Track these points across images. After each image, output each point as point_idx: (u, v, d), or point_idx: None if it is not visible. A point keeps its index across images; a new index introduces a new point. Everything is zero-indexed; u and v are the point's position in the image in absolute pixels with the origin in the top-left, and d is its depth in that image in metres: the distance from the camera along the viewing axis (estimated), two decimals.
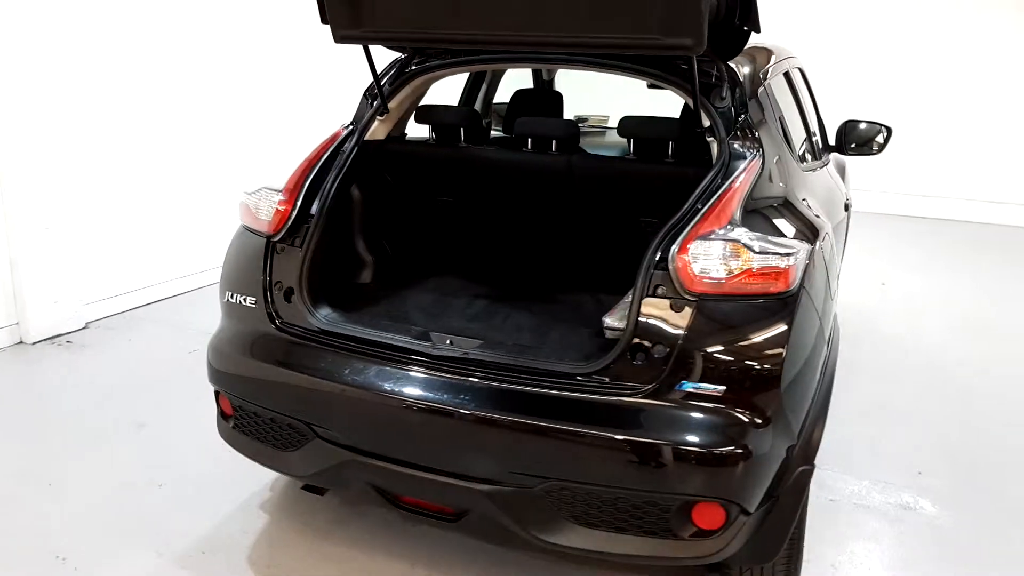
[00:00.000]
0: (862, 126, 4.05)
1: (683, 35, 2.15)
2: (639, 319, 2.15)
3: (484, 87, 4.35)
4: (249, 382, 2.59)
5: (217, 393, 2.72)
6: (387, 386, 2.30)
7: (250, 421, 2.62)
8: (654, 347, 2.12)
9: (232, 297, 2.67)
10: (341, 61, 7.32)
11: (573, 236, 3.02)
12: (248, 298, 2.63)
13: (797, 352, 2.13)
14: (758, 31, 2.33)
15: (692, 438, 2.05)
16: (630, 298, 2.67)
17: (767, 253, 2.13)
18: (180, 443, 3.56)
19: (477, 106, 4.40)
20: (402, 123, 3.22)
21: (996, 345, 4.99)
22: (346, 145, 2.92)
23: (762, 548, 2.23)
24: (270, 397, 2.54)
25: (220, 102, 5.92)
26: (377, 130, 3.03)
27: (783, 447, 2.14)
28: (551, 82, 4.89)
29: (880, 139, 4.07)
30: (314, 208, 2.69)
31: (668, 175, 2.73)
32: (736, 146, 2.47)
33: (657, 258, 2.19)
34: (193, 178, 5.80)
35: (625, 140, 2.95)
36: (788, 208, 2.51)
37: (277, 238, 2.64)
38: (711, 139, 2.55)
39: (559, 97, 3.94)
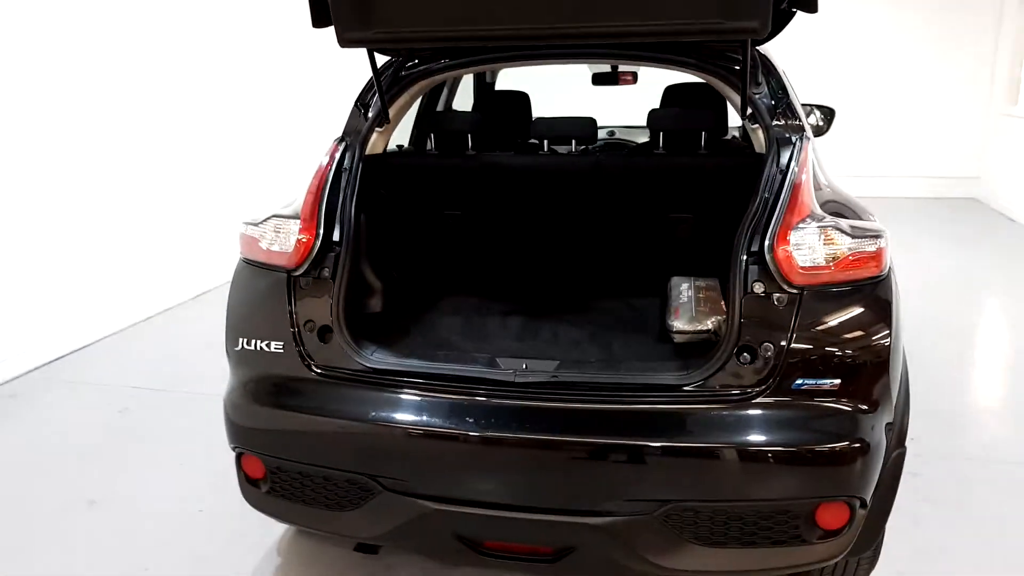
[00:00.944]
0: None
1: (747, 17, 2.05)
2: (742, 319, 2.04)
3: (445, 93, 4.11)
4: (289, 438, 2.27)
5: (240, 456, 2.36)
6: (469, 422, 2.07)
7: (293, 483, 2.29)
8: (762, 346, 2.02)
9: (249, 344, 2.32)
10: (302, 69, 7.06)
11: (597, 238, 2.88)
12: (273, 343, 2.30)
13: (897, 334, 2.10)
14: (814, 10, 2.27)
15: (816, 437, 1.98)
16: (685, 296, 2.59)
17: (861, 238, 2.08)
18: (146, 518, 3.10)
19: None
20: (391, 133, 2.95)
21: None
22: (347, 162, 2.62)
23: (865, 537, 2.19)
24: (319, 452, 2.23)
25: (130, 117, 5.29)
26: (376, 143, 2.76)
27: (887, 432, 2.11)
28: (492, 84, 4.70)
29: (822, 121, 4.21)
30: (336, 234, 2.39)
31: (703, 168, 2.65)
32: (781, 133, 2.42)
33: (749, 253, 2.09)
34: (89, 204, 5.13)
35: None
36: (835, 191, 2.50)
37: (300, 272, 2.33)
38: (755, 127, 2.49)
39: (525, 98, 3.77)
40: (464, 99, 4.35)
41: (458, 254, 3.03)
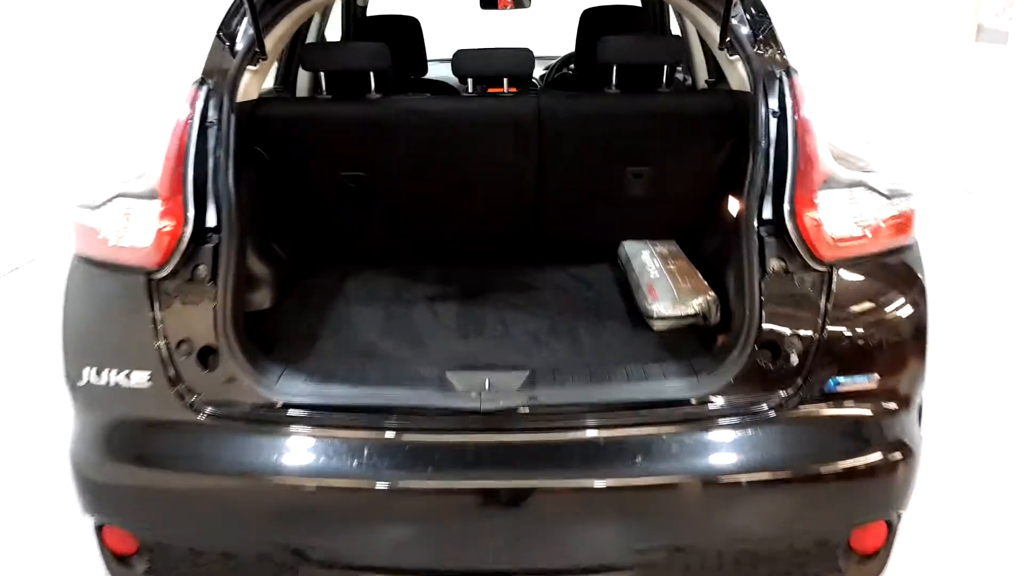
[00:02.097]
0: None
1: None
2: (762, 308, 1.63)
3: (317, 17, 3.35)
4: (169, 504, 1.66)
5: (100, 527, 1.73)
6: (424, 469, 1.56)
7: (181, 563, 1.69)
8: (787, 340, 1.63)
9: (100, 376, 1.67)
10: None
11: (537, 198, 2.37)
12: (134, 374, 1.66)
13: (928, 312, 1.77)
14: None
15: (855, 448, 1.63)
16: (654, 270, 2.15)
17: (894, 196, 1.71)
18: None
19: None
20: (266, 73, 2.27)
21: None
22: (212, 112, 1.94)
23: None
24: (215, 521, 1.64)
25: None
26: (249, 86, 2.08)
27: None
28: (364, 8, 3.96)
29: None
30: (211, 216, 1.75)
31: (668, 111, 2.18)
32: (766, 66, 1.99)
33: (762, 221, 1.67)
34: None
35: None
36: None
37: (165, 272, 1.67)
38: (733, 58, 2.04)
39: (415, 25, 3.12)
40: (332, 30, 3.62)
41: (365, 226, 2.43)
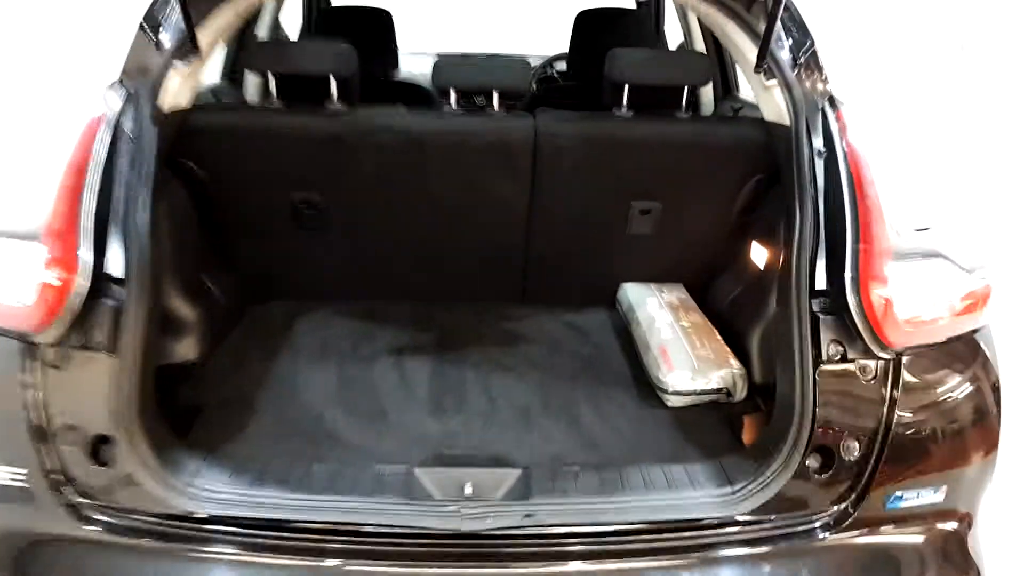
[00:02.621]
0: None
1: None
2: (815, 404, 1.30)
3: (272, 7, 2.92)
4: None
5: None
6: None
7: None
8: (843, 445, 1.31)
9: None
10: None
11: (527, 235, 2.00)
12: (2, 468, 1.28)
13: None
14: None
15: None
16: (666, 330, 1.81)
17: (974, 269, 1.39)
18: None
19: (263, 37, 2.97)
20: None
21: None
22: (129, 123, 1.54)
23: None
24: None
25: None
26: (179, 90, 1.68)
27: None
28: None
29: None
30: (117, 262, 1.36)
31: (689, 140, 1.83)
32: (809, 95, 1.65)
33: (814, 292, 1.35)
34: None
35: None
36: None
37: (48, 338, 1.28)
38: (770, 82, 1.70)
39: (387, 17, 2.71)
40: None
41: (321, 259, 2.04)
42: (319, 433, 1.53)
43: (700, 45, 2.77)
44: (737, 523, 1.28)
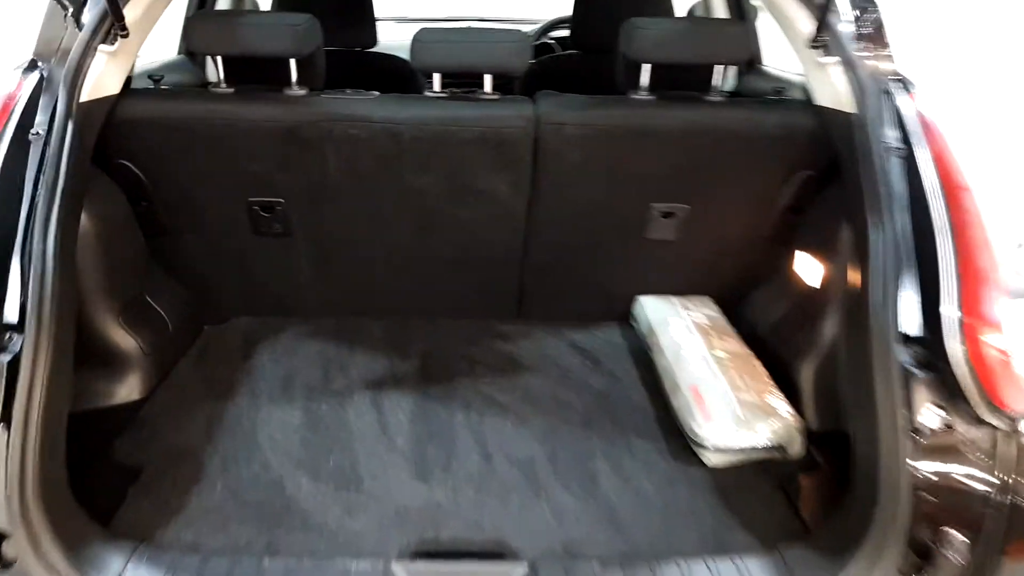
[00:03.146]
0: None
1: None
2: (915, 488, 1.02)
3: None
4: None
5: None
6: None
7: None
8: (946, 540, 1.02)
9: None
10: None
11: (527, 240, 1.70)
12: None
13: None
14: None
15: None
16: (697, 363, 1.51)
17: None
18: None
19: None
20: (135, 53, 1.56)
21: None
22: (40, 116, 1.24)
23: None
24: None
25: None
26: (106, 74, 1.36)
27: None
28: None
29: None
30: (12, 305, 1.06)
31: (723, 128, 1.51)
32: (875, 77, 1.34)
33: (904, 338, 1.05)
34: None
35: None
36: None
37: None
38: (826, 59, 1.39)
39: None
40: None
41: (284, 270, 1.73)
42: (277, 507, 1.23)
43: (719, 10, 2.43)
44: None
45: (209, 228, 1.65)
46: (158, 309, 1.59)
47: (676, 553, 1.13)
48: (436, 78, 1.55)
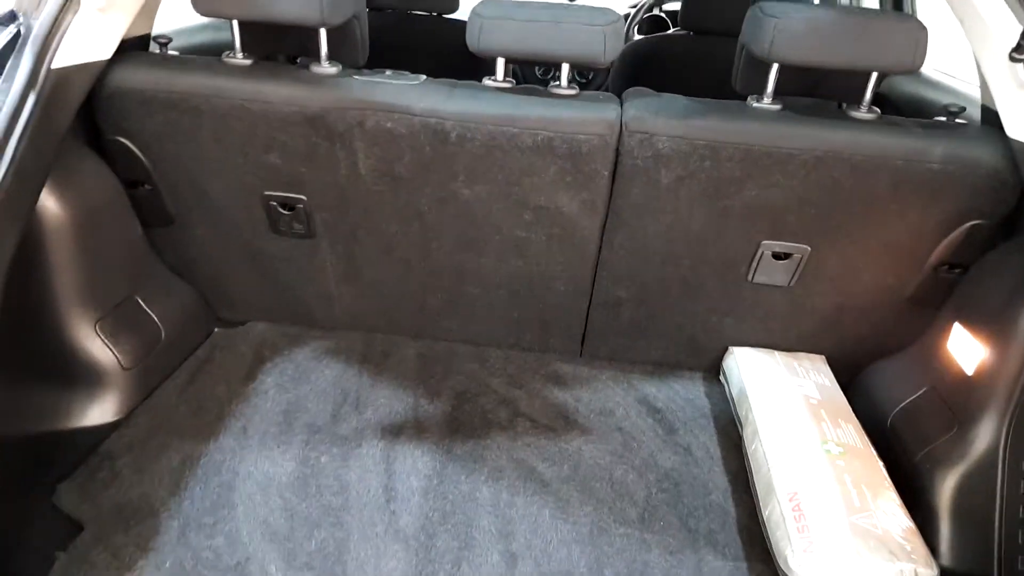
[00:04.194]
0: None
1: None
2: None
3: None
4: None
5: None
6: None
7: None
8: None
9: None
10: None
11: (598, 271, 1.37)
12: None
13: None
14: None
15: None
16: (798, 453, 1.16)
17: None
18: None
19: None
20: (150, 11, 1.30)
21: None
22: (3, 84, 1.00)
23: None
24: None
25: None
26: (92, 33, 1.11)
27: None
28: None
29: None
30: None
31: (872, 154, 1.13)
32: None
33: None
34: None
35: None
36: None
37: None
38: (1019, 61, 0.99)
39: None
40: None
41: (304, 276, 1.46)
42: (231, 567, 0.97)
43: None
44: None
45: (221, 221, 1.39)
46: (150, 314, 1.36)
47: None
48: (500, 63, 1.23)
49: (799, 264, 1.30)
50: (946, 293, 1.26)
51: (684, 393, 1.48)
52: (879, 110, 1.19)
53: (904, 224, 1.21)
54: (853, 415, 1.29)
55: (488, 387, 1.44)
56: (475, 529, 1.12)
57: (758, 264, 1.31)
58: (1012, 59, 1.00)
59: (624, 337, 1.51)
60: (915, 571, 0.99)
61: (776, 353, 1.45)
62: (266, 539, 1.07)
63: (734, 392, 1.41)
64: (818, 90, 1.21)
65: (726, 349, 1.49)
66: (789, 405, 1.29)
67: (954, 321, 1.19)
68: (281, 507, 1.13)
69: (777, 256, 1.30)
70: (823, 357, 1.46)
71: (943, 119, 1.21)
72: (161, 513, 1.10)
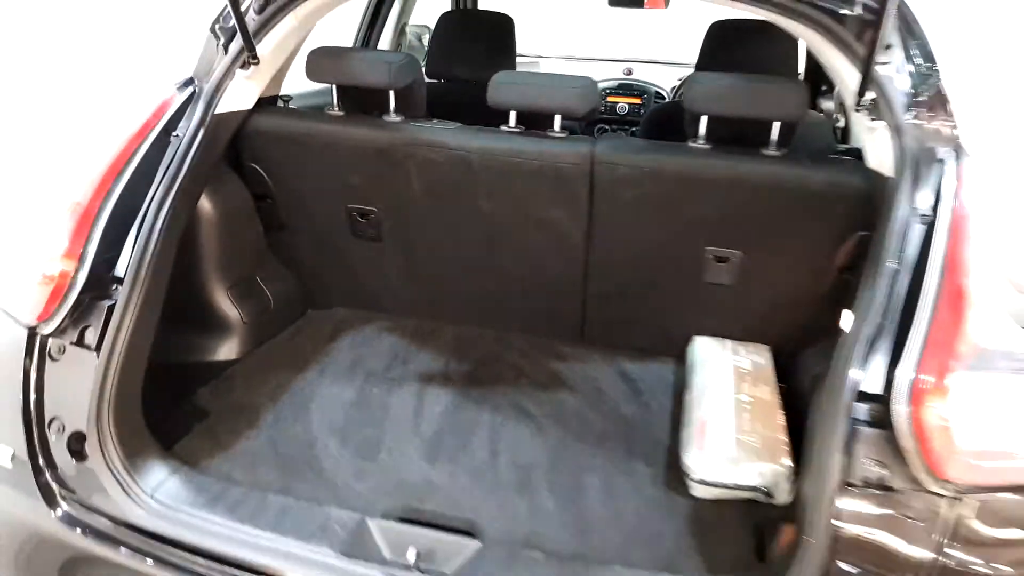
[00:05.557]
0: None
1: None
2: (834, 539, 1.03)
3: (397, 5, 2.94)
4: None
5: None
6: None
7: None
8: None
9: None
10: None
11: (586, 270, 1.83)
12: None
13: None
14: None
15: None
16: (714, 400, 1.57)
17: None
18: None
19: (387, 32, 3.00)
20: (279, 78, 1.88)
21: None
22: (184, 123, 1.57)
23: None
24: None
25: None
26: (241, 92, 1.69)
27: None
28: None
29: None
30: (125, 259, 1.37)
31: (775, 182, 1.57)
32: (923, 143, 1.34)
33: (859, 394, 1.07)
34: None
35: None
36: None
37: (50, 329, 1.32)
38: (875, 123, 1.41)
39: (507, 22, 2.62)
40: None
41: (376, 270, 1.99)
42: (301, 461, 1.46)
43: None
44: None
45: (316, 227, 1.94)
46: (265, 290, 1.91)
47: (621, 563, 1.21)
48: (512, 115, 1.74)
49: (737, 267, 1.72)
50: (845, 291, 1.64)
51: (657, 371, 1.89)
52: (785, 150, 1.61)
53: (807, 237, 1.62)
54: (775, 383, 1.68)
55: (503, 357, 1.90)
56: (473, 436, 1.57)
57: (706, 266, 1.74)
58: (856, 109, 1.42)
59: (614, 326, 1.95)
60: (774, 471, 1.37)
61: (728, 342, 1.84)
62: (329, 432, 1.56)
63: (687, 367, 1.82)
64: (744, 137, 1.64)
65: (691, 337, 1.90)
66: (722, 372, 1.69)
67: (845, 310, 1.57)
68: (341, 415, 1.62)
69: (719, 259, 1.72)
70: (768, 347, 1.84)
71: (836, 156, 1.62)
72: (261, 412, 1.61)
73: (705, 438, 1.44)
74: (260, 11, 1.62)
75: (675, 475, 1.46)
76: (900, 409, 1.02)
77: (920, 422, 1.00)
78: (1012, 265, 1.22)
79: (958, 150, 1.35)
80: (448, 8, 3.28)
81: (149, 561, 1.21)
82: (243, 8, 1.62)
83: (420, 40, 3.20)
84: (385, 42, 2.93)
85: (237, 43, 1.63)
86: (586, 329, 1.97)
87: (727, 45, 2.24)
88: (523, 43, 2.71)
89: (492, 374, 1.82)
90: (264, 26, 1.62)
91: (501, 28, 2.57)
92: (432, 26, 2.66)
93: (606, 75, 3.73)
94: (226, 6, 1.66)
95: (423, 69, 2.06)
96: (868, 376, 1.08)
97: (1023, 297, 1.15)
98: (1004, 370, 1.02)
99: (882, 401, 1.06)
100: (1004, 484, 1.01)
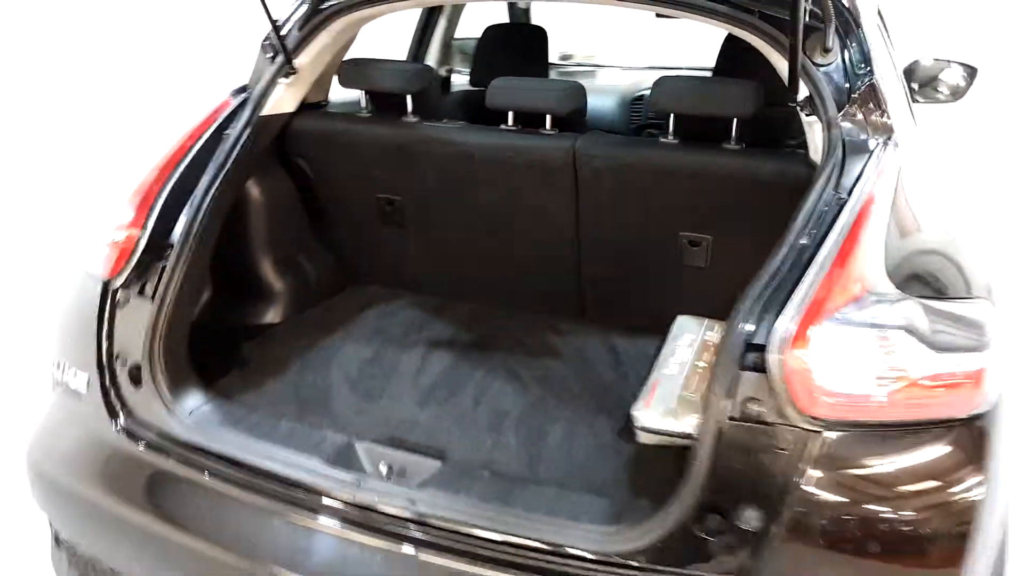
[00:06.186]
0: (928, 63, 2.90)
1: None
2: (714, 459, 1.23)
3: (443, 21, 3.26)
4: (80, 516, 1.66)
5: None
6: (268, 556, 1.40)
7: (83, 565, 1.71)
8: (738, 511, 1.22)
9: (60, 369, 1.73)
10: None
11: (578, 254, 2.06)
12: (78, 374, 1.68)
13: (986, 531, 1.23)
14: None
15: None
16: (674, 364, 1.77)
17: (949, 350, 1.21)
18: None
19: (434, 47, 3.32)
20: (323, 85, 2.20)
21: None
22: (235, 123, 1.91)
23: None
24: (109, 544, 1.62)
25: None
26: (284, 98, 2.01)
27: None
28: (527, 12, 3.78)
29: (963, 80, 2.97)
30: (178, 229, 1.71)
31: (732, 173, 1.76)
32: (852, 132, 1.51)
33: (748, 345, 1.26)
34: None
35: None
36: (942, 236, 1.57)
37: (119, 283, 1.66)
38: (811, 118, 1.59)
39: (542, 34, 2.88)
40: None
41: (400, 252, 2.28)
42: (314, 401, 1.76)
43: None
44: (608, 567, 1.26)
45: (350, 213, 2.25)
46: (306, 267, 2.23)
47: (557, 486, 1.44)
48: (510, 115, 1.99)
49: (708, 250, 1.91)
50: None
51: (643, 347, 2.09)
52: (744, 144, 1.80)
53: (764, 220, 1.79)
54: None
55: (506, 329, 2.15)
56: (463, 388, 1.82)
57: (683, 251, 1.93)
58: (790, 105, 1.60)
59: (606, 305, 2.16)
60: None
61: (707, 320, 2.03)
62: (342, 380, 1.85)
63: (666, 342, 2.01)
64: (708, 133, 1.83)
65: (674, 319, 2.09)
66: (687, 344, 1.88)
67: None
68: (356, 368, 1.91)
69: (692, 243, 1.91)
70: None
71: (789, 149, 1.80)
72: (290, 362, 1.92)
73: (654, 395, 1.65)
74: (300, 28, 1.94)
75: (625, 427, 1.67)
76: (774, 356, 1.21)
77: (786, 367, 1.19)
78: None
79: (888, 141, 1.52)
80: (497, 21, 3.57)
81: (184, 464, 1.53)
82: (285, 26, 1.95)
83: (465, 52, 3.50)
84: (432, 57, 3.25)
85: (279, 56, 1.96)
86: (587, 310, 2.20)
87: (740, 52, 2.42)
88: (581, 51, 2.98)
89: (493, 343, 2.07)
90: (302, 42, 1.94)
91: (535, 39, 2.85)
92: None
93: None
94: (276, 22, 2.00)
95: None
96: (757, 329, 1.27)
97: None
98: (862, 325, 1.20)
99: (763, 350, 1.25)
100: (859, 420, 1.19)
